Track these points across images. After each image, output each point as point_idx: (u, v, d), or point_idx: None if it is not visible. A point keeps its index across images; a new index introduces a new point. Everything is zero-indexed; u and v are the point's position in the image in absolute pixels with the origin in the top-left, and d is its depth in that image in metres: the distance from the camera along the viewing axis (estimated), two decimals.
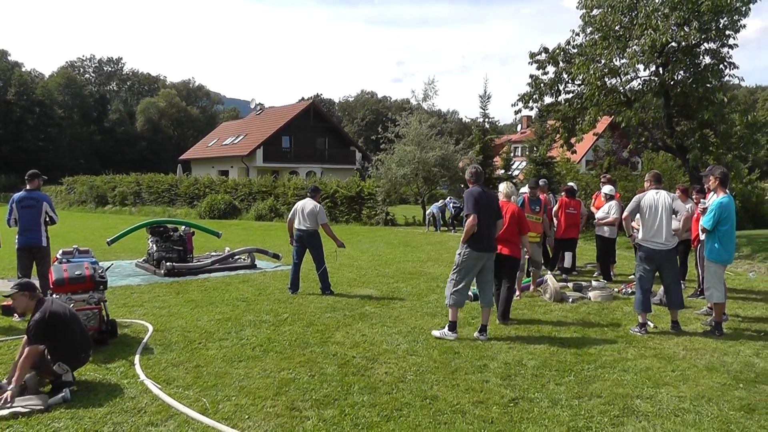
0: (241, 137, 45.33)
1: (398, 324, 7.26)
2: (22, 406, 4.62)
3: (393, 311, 7.99)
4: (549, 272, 10.05)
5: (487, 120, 25.25)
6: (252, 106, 53.71)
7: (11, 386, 4.71)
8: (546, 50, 16.89)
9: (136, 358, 5.91)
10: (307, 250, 9.27)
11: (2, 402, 4.60)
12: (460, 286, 6.66)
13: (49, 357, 4.97)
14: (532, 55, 17.06)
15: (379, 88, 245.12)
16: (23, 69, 72.33)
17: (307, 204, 9.20)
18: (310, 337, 6.69)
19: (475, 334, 6.69)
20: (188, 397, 4.90)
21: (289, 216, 9.42)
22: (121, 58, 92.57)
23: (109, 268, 7.54)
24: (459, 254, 6.73)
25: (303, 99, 68.83)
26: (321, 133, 46.84)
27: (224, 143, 46.76)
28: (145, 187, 33.29)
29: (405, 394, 4.90)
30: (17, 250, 8.06)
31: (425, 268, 11.95)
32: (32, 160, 56.33)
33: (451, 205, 21.53)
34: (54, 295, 6.30)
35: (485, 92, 24.82)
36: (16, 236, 8.07)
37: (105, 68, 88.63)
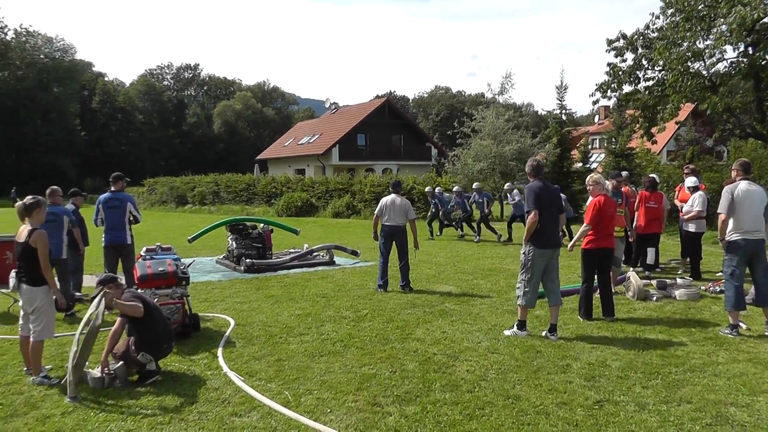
0: (317, 136, 46.11)
1: (478, 321, 7.23)
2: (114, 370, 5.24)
3: (473, 308, 7.96)
4: (631, 269, 9.73)
5: (563, 111, 24.65)
6: (326, 106, 54.51)
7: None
8: (624, 36, 16.34)
9: (219, 350, 6.13)
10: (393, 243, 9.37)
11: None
12: (530, 286, 6.55)
13: (133, 348, 5.30)
14: (610, 42, 16.55)
15: (454, 83, 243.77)
16: (106, 79, 77.01)
17: (396, 200, 9.34)
18: (391, 333, 6.76)
19: (544, 333, 6.57)
20: (270, 389, 5.04)
21: (376, 212, 9.50)
22: (198, 64, 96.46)
23: (190, 264, 7.84)
24: (524, 253, 6.65)
25: (377, 97, 69.35)
26: (396, 129, 47.00)
27: (300, 143, 47.72)
28: (223, 186, 34.23)
29: (487, 393, 4.88)
30: (104, 248, 8.56)
31: (504, 264, 11.81)
32: (115, 163, 59.39)
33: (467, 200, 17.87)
34: (139, 290, 6.64)
35: (561, 83, 24.29)
36: (103, 235, 8.58)
37: (183, 74, 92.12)
